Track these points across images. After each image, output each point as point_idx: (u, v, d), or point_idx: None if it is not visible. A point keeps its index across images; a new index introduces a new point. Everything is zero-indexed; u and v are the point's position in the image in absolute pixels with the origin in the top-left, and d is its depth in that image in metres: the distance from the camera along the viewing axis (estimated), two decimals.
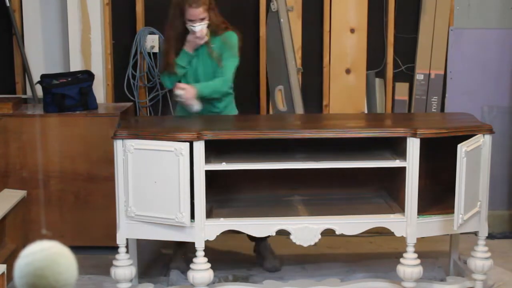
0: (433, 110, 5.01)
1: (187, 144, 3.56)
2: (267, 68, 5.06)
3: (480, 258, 3.87)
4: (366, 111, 5.09)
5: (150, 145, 3.62)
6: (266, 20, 5.02)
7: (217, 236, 3.72)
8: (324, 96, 5.10)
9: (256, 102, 5.09)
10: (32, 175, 4.48)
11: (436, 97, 5.01)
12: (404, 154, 3.70)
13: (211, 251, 3.94)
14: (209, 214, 3.76)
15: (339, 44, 5.05)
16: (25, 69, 4.97)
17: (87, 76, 4.69)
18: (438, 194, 4.00)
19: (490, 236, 4.04)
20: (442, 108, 5.05)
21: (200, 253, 3.70)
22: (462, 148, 3.52)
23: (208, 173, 3.70)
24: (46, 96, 4.55)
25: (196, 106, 4.12)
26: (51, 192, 4.50)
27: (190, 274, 3.70)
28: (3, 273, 3.31)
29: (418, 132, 3.64)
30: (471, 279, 3.94)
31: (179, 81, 4.23)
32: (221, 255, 4.58)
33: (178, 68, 4.20)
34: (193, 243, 3.69)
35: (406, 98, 5.05)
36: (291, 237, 3.74)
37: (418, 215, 3.72)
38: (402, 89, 5.07)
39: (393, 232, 3.79)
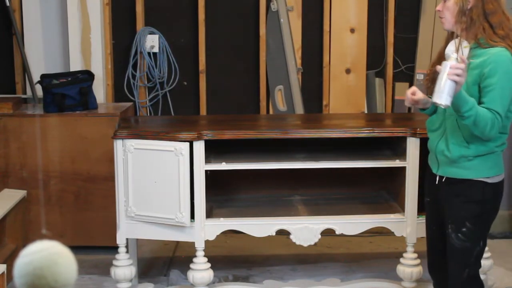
0: None
1: (187, 144, 3.56)
2: (267, 68, 5.06)
3: None
4: (366, 111, 5.10)
5: (150, 145, 3.62)
6: (266, 20, 5.02)
7: (217, 236, 3.72)
8: (324, 96, 5.10)
9: (256, 102, 5.09)
10: (32, 175, 4.48)
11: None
12: (404, 154, 3.71)
13: (211, 251, 3.94)
14: (209, 214, 3.76)
15: (339, 44, 5.05)
16: (25, 69, 4.97)
17: (87, 76, 4.69)
18: None
19: (490, 236, 4.03)
20: None
21: (200, 253, 3.70)
22: None
23: (208, 173, 3.71)
24: (46, 96, 4.55)
25: (448, 99, 2.68)
26: (51, 192, 4.50)
27: (190, 274, 3.70)
28: (3, 273, 3.31)
29: (418, 132, 3.64)
30: None
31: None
32: (221, 255, 4.58)
33: None
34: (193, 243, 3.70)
35: None
36: (291, 237, 3.74)
37: (418, 215, 3.72)
38: (402, 89, 5.07)
39: (393, 232, 3.79)
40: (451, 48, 2.92)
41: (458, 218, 2.90)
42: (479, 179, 2.87)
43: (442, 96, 2.66)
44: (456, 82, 2.63)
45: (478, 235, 2.92)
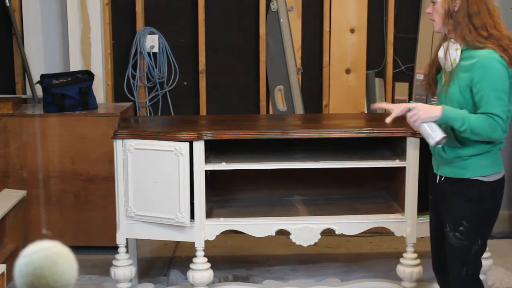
0: None
1: (187, 144, 3.56)
2: (267, 68, 5.06)
3: None
4: (366, 111, 5.09)
5: (150, 145, 3.62)
6: (266, 20, 5.02)
7: (217, 236, 3.72)
8: (324, 96, 5.10)
9: (256, 102, 5.09)
10: (32, 175, 4.48)
11: (436, 97, 5.00)
12: (404, 154, 3.71)
13: (211, 251, 3.94)
14: (209, 214, 3.76)
15: (339, 44, 5.05)
16: (25, 69, 4.97)
17: (87, 76, 4.69)
18: None
19: (490, 236, 4.02)
20: None
21: (200, 253, 3.70)
22: None
23: (208, 173, 3.71)
24: (46, 96, 4.55)
25: (439, 134, 2.85)
26: (51, 192, 4.50)
27: (190, 274, 3.70)
28: (3, 273, 3.31)
29: (417, 132, 3.64)
30: None
31: None
32: (221, 255, 4.58)
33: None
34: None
35: (406, 98, 5.05)
36: (291, 237, 3.74)
37: (417, 215, 3.72)
38: (402, 89, 5.07)
39: (393, 232, 3.79)
40: (440, 52, 2.97)
41: (455, 217, 2.94)
42: (475, 178, 2.90)
43: (432, 137, 2.86)
44: (424, 122, 2.87)
45: (475, 234, 2.94)
